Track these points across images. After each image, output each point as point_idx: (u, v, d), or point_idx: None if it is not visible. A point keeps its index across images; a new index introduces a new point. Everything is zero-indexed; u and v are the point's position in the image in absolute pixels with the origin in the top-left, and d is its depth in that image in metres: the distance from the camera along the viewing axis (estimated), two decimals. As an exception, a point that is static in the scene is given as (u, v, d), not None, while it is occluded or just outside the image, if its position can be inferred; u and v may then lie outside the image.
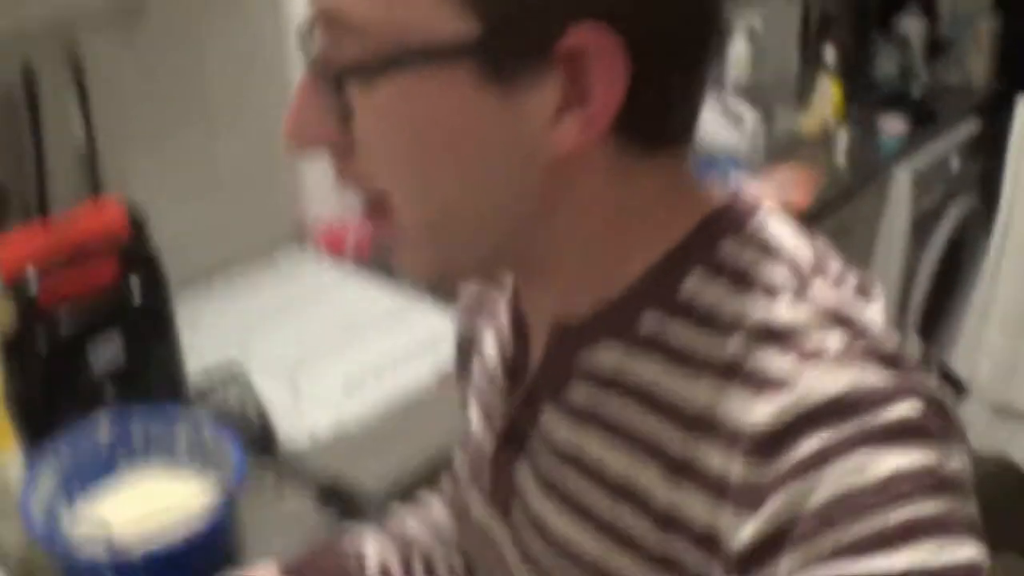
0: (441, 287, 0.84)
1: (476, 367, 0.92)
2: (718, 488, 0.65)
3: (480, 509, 0.89)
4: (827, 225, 2.65)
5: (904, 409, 0.61)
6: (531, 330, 0.82)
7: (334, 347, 1.95)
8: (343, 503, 1.61)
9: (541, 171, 0.68)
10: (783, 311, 0.67)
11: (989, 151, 3.24)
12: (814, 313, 0.67)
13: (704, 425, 0.67)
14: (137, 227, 1.79)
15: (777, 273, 0.70)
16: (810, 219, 2.55)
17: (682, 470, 0.67)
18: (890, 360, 0.64)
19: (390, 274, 2.19)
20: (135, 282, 1.74)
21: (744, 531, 0.62)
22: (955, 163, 3.30)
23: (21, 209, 1.89)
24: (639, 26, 0.64)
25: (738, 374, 0.66)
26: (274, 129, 2.25)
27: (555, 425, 0.77)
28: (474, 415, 0.91)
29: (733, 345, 0.67)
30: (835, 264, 0.72)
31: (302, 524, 1.58)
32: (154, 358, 1.76)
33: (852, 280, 0.71)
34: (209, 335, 1.95)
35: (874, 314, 0.68)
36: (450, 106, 0.66)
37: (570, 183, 0.69)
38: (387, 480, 1.65)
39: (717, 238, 0.72)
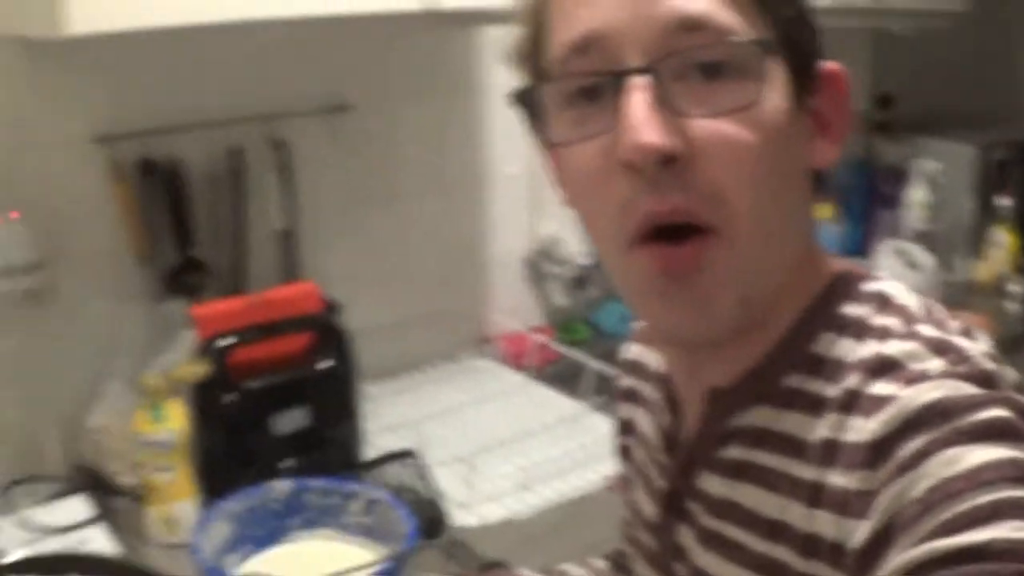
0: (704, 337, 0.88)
1: (636, 449, 1.00)
2: (842, 504, 0.70)
3: (645, 571, 0.96)
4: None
5: (994, 413, 0.67)
6: (683, 403, 0.89)
7: (508, 446, 1.95)
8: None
9: (808, 197, 0.78)
10: (893, 346, 0.74)
11: None
12: (920, 345, 0.73)
13: (830, 454, 0.73)
14: (331, 308, 1.84)
15: (890, 320, 0.77)
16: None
17: (816, 498, 0.73)
18: (986, 379, 0.71)
19: (566, 385, 2.20)
20: (325, 356, 1.77)
21: (860, 532, 0.68)
22: None
23: (219, 283, 1.96)
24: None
25: (855, 404, 0.73)
26: (465, 236, 2.33)
27: (711, 484, 0.83)
28: (639, 490, 0.98)
29: (852, 382, 0.74)
30: (941, 312, 0.79)
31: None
32: (335, 431, 1.79)
33: (957, 324, 0.78)
34: (387, 423, 1.97)
35: (976, 347, 0.74)
36: (784, 104, 0.75)
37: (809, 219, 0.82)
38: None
39: (841, 302, 0.80)
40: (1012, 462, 0.64)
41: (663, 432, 0.92)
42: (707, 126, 0.72)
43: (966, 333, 0.76)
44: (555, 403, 2.17)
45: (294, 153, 2.01)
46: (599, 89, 0.74)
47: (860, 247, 3.09)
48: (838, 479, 0.71)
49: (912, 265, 2.76)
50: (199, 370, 1.65)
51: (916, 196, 2.95)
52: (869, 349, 0.75)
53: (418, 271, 2.28)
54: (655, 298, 0.77)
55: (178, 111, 1.87)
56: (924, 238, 2.89)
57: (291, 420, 1.74)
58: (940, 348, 0.73)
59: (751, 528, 0.78)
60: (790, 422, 0.77)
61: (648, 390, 0.98)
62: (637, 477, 0.99)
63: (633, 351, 1.05)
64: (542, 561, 1.61)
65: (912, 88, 3.25)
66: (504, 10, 1.79)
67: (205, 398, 1.68)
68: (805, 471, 0.74)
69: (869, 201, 3.15)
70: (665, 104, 0.72)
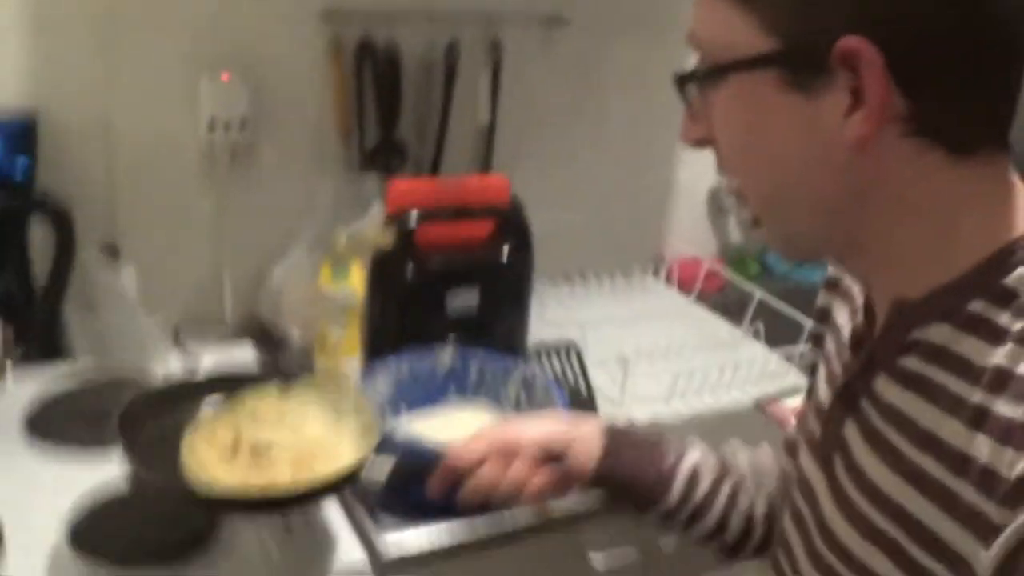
0: (805, 260, 0.99)
1: (828, 337, 1.07)
2: (1005, 432, 0.75)
3: (805, 458, 1.01)
4: None
5: None
6: (876, 307, 0.92)
7: (664, 356, 2.04)
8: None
9: (842, 163, 0.81)
10: None
11: None
12: None
13: (1001, 382, 0.77)
14: (516, 202, 1.93)
15: None
16: None
17: (978, 421, 0.77)
18: None
19: (730, 314, 2.27)
20: (505, 245, 1.86)
21: (1021, 464, 0.73)
22: None
23: (415, 166, 2.08)
24: (901, 35, 0.77)
25: None
26: (658, 161, 2.38)
27: (886, 389, 0.88)
28: (821, 377, 1.04)
29: None
30: None
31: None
32: (503, 318, 1.88)
33: None
34: (552, 319, 2.07)
35: None
36: (763, 106, 0.83)
37: (876, 176, 0.82)
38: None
39: None
40: None
41: (854, 329, 0.97)
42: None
43: None
44: (716, 327, 2.25)
45: (506, 56, 2.11)
46: None
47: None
48: (1004, 408, 0.75)
49: None
50: (385, 238, 1.76)
51: None
52: None
53: (605, 186, 2.37)
54: None
55: (401, 1, 1.98)
56: None
57: (464, 301, 1.83)
58: None
59: (909, 436, 0.83)
60: (968, 345, 0.80)
61: (855, 288, 1.03)
62: (823, 364, 1.05)
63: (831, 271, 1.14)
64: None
65: None
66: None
67: (386, 267, 1.78)
68: (973, 394, 0.78)
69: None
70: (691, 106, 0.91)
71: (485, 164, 2.16)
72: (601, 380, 1.88)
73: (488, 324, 1.86)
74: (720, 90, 0.86)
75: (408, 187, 1.84)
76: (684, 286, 2.40)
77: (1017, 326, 0.78)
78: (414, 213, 1.79)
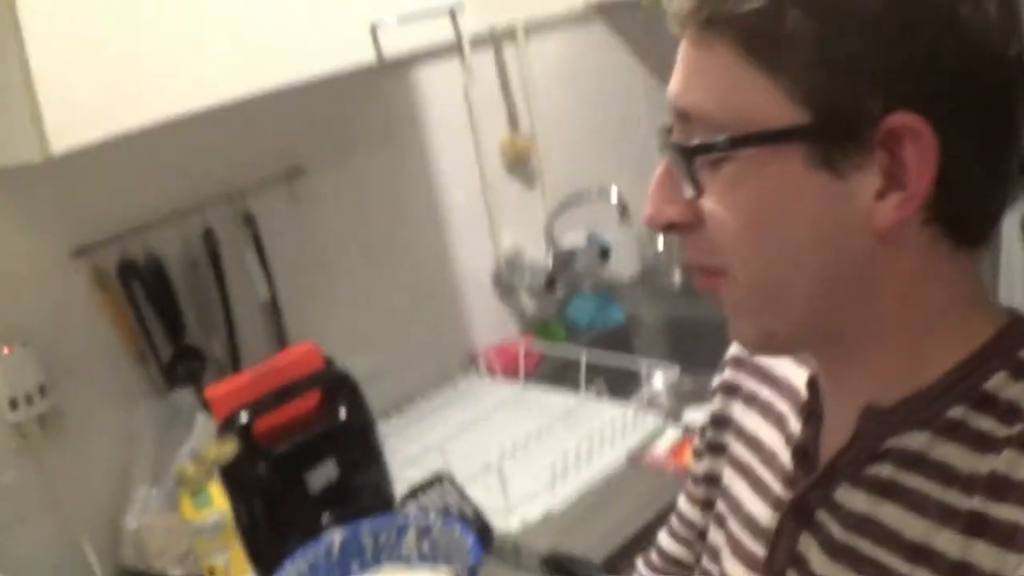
0: (769, 354, 0.97)
1: (736, 444, 1.03)
2: (1009, 537, 0.72)
3: (738, 569, 0.96)
4: None
5: None
6: (827, 413, 0.90)
7: (527, 448, 2.04)
8: (567, 571, 1.67)
9: (863, 249, 0.77)
10: None
11: None
12: None
13: (1001, 487, 0.74)
14: (330, 360, 1.91)
15: None
16: None
17: (976, 528, 0.74)
18: None
19: (559, 383, 2.29)
20: (339, 407, 1.84)
21: None
22: None
23: (216, 365, 2.02)
24: (949, 115, 0.73)
25: None
26: (435, 264, 2.40)
27: (850, 498, 0.83)
28: (740, 490, 1.00)
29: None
30: None
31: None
32: (365, 476, 1.85)
33: None
34: (407, 457, 2.04)
35: None
36: (784, 184, 0.76)
37: (890, 266, 0.78)
38: (602, 549, 1.72)
39: (1019, 345, 0.80)
40: None
41: (789, 440, 0.93)
42: (703, 206, 0.79)
43: None
44: (554, 400, 2.26)
45: (262, 224, 2.08)
46: None
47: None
48: (1007, 513, 0.72)
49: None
50: (229, 448, 1.70)
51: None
52: None
53: (395, 310, 2.36)
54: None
55: (148, 207, 1.92)
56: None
57: (322, 475, 1.80)
58: None
59: (892, 548, 0.79)
60: (949, 451, 0.77)
61: (767, 394, 1.00)
62: (738, 474, 1.01)
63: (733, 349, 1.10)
64: (586, 545, 1.71)
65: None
66: (444, 43, 1.90)
67: (239, 473, 1.73)
68: (963, 501, 0.75)
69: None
70: (670, 181, 0.81)
71: (282, 336, 2.12)
72: (483, 495, 1.86)
73: (354, 488, 1.83)
74: (728, 166, 0.77)
75: (226, 389, 1.79)
76: (506, 372, 2.41)
77: (1005, 432, 0.76)
78: (243, 412, 1.75)
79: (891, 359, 0.81)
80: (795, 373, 0.98)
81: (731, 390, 1.07)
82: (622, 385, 2.21)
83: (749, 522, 0.96)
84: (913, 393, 0.80)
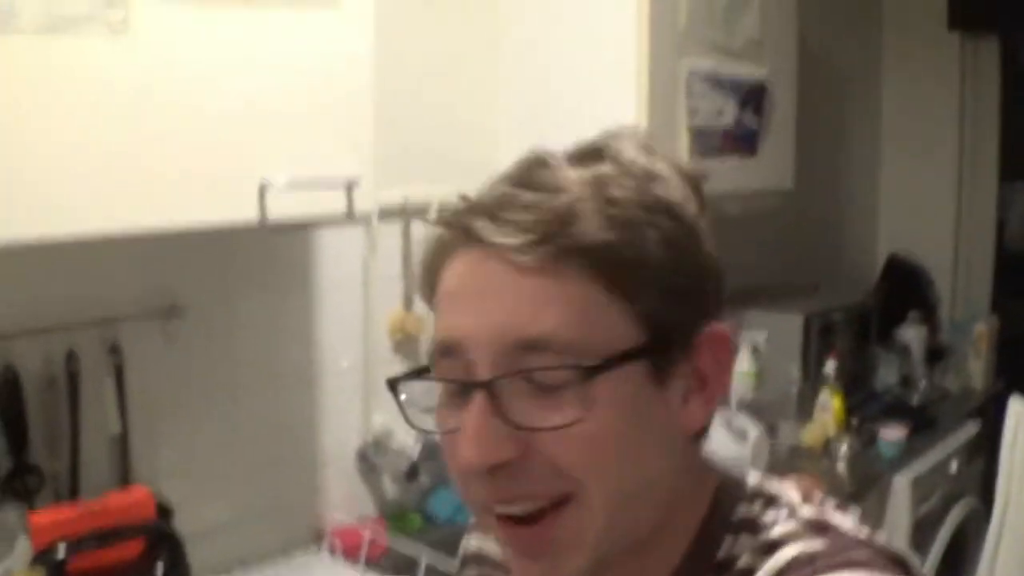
0: None
1: None
2: None
3: None
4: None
5: (853, 553, 0.81)
6: None
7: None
8: None
9: (681, 449, 0.86)
10: (777, 531, 0.86)
11: (988, 451, 3.29)
12: (800, 525, 0.85)
13: None
14: (164, 512, 1.84)
15: (774, 512, 0.88)
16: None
17: None
18: (865, 543, 0.84)
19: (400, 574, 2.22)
20: (160, 563, 1.77)
21: None
22: (954, 466, 3.35)
23: (54, 487, 1.94)
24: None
25: None
26: (300, 430, 2.34)
27: None
28: None
29: (745, 562, 0.85)
30: (818, 495, 0.91)
31: None
32: (173, 638, 1.77)
33: (831, 503, 0.90)
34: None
35: (850, 521, 0.87)
36: (635, 400, 0.82)
37: (687, 461, 0.88)
38: None
39: (732, 505, 0.89)
40: None
41: None
42: (542, 437, 0.80)
43: (841, 507, 0.89)
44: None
45: (128, 356, 2.02)
46: (459, 390, 0.83)
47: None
48: None
49: (741, 435, 2.87)
50: (35, 579, 1.63)
51: (742, 367, 3.10)
52: (763, 539, 0.85)
53: (250, 467, 2.29)
54: (516, 559, 0.86)
55: (13, 318, 1.86)
56: (750, 407, 3.03)
57: (128, 632, 1.72)
58: (818, 526, 0.85)
59: None
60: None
61: None
62: None
63: (474, 543, 1.10)
64: None
65: (733, 263, 3.45)
66: (336, 215, 1.88)
67: (41, 609, 1.65)
68: None
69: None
70: (500, 416, 0.80)
71: (124, 474, 2.04)
72: None
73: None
74: (581, 387, 0.80)
75: (51, 518, 1.73)
76: (349, 555, 2.33)
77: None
78: (61, 546, 1.69)
79: (660, 547, 0.87)
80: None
81: None
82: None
83: None
84: (684, 553, 0.87)
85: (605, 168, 0.85)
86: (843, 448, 3.00)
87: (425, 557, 2.16)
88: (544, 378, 0.80)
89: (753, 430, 2.87)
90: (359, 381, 2.47)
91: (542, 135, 2.58)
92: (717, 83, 2.73)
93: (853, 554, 0.81)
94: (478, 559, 1.07)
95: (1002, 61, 4.25)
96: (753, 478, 0.92)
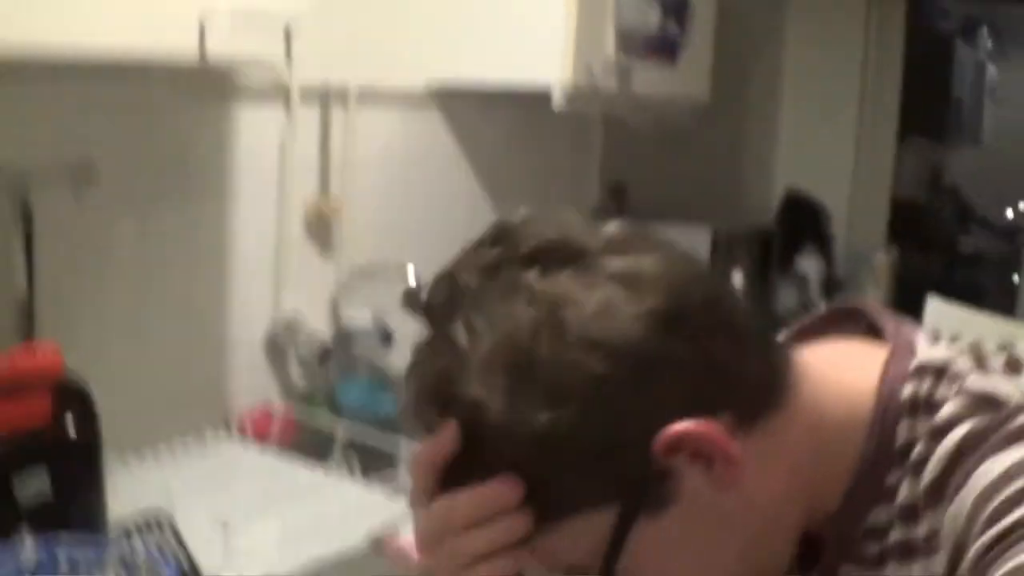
0: None
1: None
2: (926, 550, 0.81)
3: None
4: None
5: (1021, 420, 0.77)
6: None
7: (261, 513, 1.91)
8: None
9: (744, 501, 0.82)
10: (947, 411, 0.81)
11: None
12: (970, 400, 0.81)
13: (912, 514, 0.82)
14: (73, 373, 1.76)
15: (941, 390, 0.84)
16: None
17: (929, 548, 0.81)
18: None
19: (314, 457, 2.17)
20: (68, 418, 1.70)
21: (937, 567, 0.78)
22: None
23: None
24: (685, 392, 0.79)
25: (922, 467, 0.82)
26: (211, 312, 2.27)
27: (853, 573, 0.88)
28: None
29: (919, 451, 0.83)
30: (981, 350, 0.87)
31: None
32: (80, 495, 1.69)
33: (999, 360, 0.85)
34: (131, 498, 1.88)
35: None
36: (665, 544, 0.81)
37: (759, 480, 0.83)
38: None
39: (901, 384, 0.85)
40: None
41: None
42: None
43: (1012, 367, 0.84)
44: (303, 472, 2.14)
45: (39, 217, 1.93)
46: None
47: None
48: (919, 530, 0.81)
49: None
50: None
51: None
52: (932, 424, 0.82)
53: (160, 347, 2.22)
54: None
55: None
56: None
57: (33, 486, 1.64)
58: (987, 400, 0.80)
59: None
60: (889, 511, 0.84)
61: None
62: None
63: None
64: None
65: (642, 178, 3.46)
66: (273, 54, 1.81)
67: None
68: (919, 532, 0.82)
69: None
70: None
71: (30, 339, 1.95)
72: (202, 547, 1.72)
73: (64, 506, 1.66)
74: (620, 571, 0.81)
75: (-48, 367, 1.64)
76: (259, 437, 2.28)
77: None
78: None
79: (828, 485, 0.86)
80: None
81: None
82: (379, 468, 2.11)
83: None
84: (848, 487, 0.85)
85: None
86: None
87: (342, 429, 2.12)
88: None
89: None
90: (271, 264, 2.40)
91: (467, 19, 2.59)
92: (643, -13, 2.72)
93: (1021, 420, 0.77)
94: None
95: (907, 15, 4.27)
96: (921, 348, 0.88)
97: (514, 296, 0.79)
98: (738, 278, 3.22)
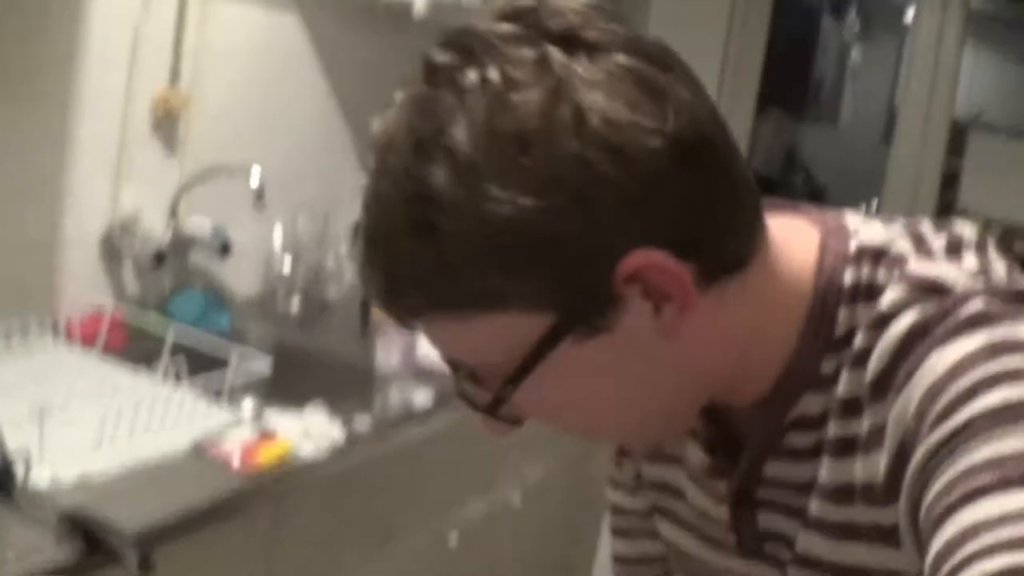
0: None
1: (677, 505, 1.01)
2: (865, 444, 0.78)
3: (737, 565, 0.96)
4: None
5: (967, 309, 0.74)
6: (729, 428, 0.92)
7: (81, 411, 1.81)
8: (88, 538, 1.45)
9: (672, 357, 0.80)
10: (887, 299, 0.79)
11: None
12: (912, 287, 0.78)
13: (852, 407, 0.80)
14: None
15: (882, 273, 0.81)
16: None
17: (870, 445, 0.78)
18: (980, 291, 0.76)
19: (143, 362, 2.08)
20: None
21: (881, 463, 0.76)
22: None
23: None
24: (662, 228, 0.75)
25: (863, 357, 0.79)
26: (38, 207, 2.12)
27: (781, 470, 0.87)
28: (682, 538, 1.01)
29: (860, 340, 0.80)
30: (924, 229, 0.84)
31: (41, 555, 1.41)
32: None
33: (941, 242, 0.82)
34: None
35: (967, 265, 0.79)
36: (578, 370, 0.79)
37: (700, 340, 0.80)
38: (137, 521, 1.51)
39: (841, 269, 0.83)
40: (986, 346, 0.70)
41: (700, 464, 0.95)
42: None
43: (952, 249, 0.81)
44: (128, 376, 2.05)
45: None
46: None
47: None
48: (861, 425, 0.78)
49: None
50: None
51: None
52: (873, 313, 0.79)
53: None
54: None
55: None
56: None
57: None
58: (929, 285, 0.77)
59: (826, 497, 0.83)
60: (844, 390, 0.81)
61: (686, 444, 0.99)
62: (680, 529, 1.01)
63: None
64: (120, 515, 1.50)
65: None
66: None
67: None
68: (859, 426, 0.79)
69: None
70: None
71: None
72: (16, 441, 1.61)
73: None
74: (524, 384, 0.78)
75: None
76: (87, 342, 2.16)
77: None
78: None
79: (755, 368, 0.84)
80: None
81: (657, 455, 1.05)
82: (207, 374, 2.01)
83: (700, 514, 0.97)
84: (784, 370, 0.83)
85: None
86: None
87: (173, 334, 2.02)
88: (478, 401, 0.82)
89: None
90: (113, 158, 2.27)
91: None
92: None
93: (968, 308, 0.74)
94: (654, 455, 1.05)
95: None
96: (858, 230, 0.85)
97: (538, 69, 0.72)
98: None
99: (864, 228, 0.85)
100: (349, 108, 2.89)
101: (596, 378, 0.80)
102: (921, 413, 0.71)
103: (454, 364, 0.82)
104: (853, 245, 0.83)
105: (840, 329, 0.81)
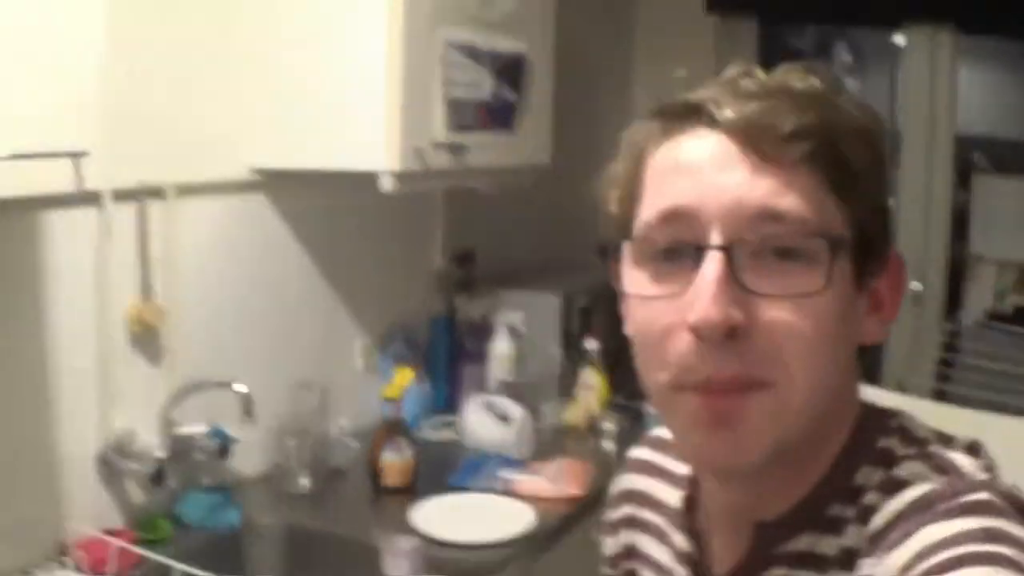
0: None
1: (644, 571, 1.08)
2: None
3: None
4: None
5: (974, 496, 0.80)
6: (714, 528, 0.98)
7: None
8: None
9: (851, 362, 0.90)
10: (905, 469, 0.86)
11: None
12: (927, 465, 0.86)
13: (849, 559, 0.84)
14: None
15: (910, 449, 0.89)
16: (586, 507, 2.53)
17: None
18: (986, 485, 0.82)
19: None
20: None
21: None
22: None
23: None
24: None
25: (869, 516, 0.85)
26: (32, 436, 2.11)
27: None
28: None
29: (871, 499, 0.86)
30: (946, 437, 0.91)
31: None
32: None
33: (961, 442, 0.90)
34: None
35: (981, 463, 0.88)
36: (845, 295, 0.85)
37: (849, 380, 0.92)
38: None
39: (874, 435, 0.90)
40: (983, 529, 0.76)
41: (679, 555, 1.01)
42: (772, 306, 0.83)
43: (971, 450, 0.89)
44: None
45: None
46: (679, 253, 0.86)
47: (447, 404, 3.11)
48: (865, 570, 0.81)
49: (502, 417, 2.81)
50: None
51: (500, 349, 3.03)
52: (890, 476, 0.86)
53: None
54: (698, 433, 0.87)
55: None
56: (511, 389, 2.97)
57: None
58: (943, 466, 0.85)
59: None
60: (833, 545, 0.86)
61: (650, 515, 1.08)
62: None
63: (627, 480, 1.16)
64: None
65: (490, 244, 3.37)
66: (65, 191, 1.70)
67: None
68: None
69: (454, 358, 3.18)
70: (736, 281, 0.82)
71: None
72: None
73: None
74: (808, 273, 0.84)
75: None
76: (96, 569, 2.13)
77: (851, 512, 0.86)
78: None
79: (790, 471, 0.89)
80: (663, 491, 1.07)
81: (633, 522, 1.11)
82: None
83: None
84: (799, 502, 0.88)
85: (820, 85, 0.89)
86: (608, 426, 2.96)
87: (177, 566, 2.00)
88: (792, 243, 0.83)
89: (516, 412, 2.81)
90: (96, 379, 2.26)
91: (287, 107, 2.48)
92: (474, 54, 2.64)
93: (972, 497, 0.80)
94: (630, 496, 1.13)
95: (760, 44, 4.26)
96: (900, 415, 0.93)
97: None
98: (592, 344, 3.14)
99: (906, 415, 0.93)
100: (330, 275, 2.85)
101: (845, 323, 0.86)
102: (907, 567, 0.76)
103: (778, 215, 0.84)
104: (896, 420, 0.91)
105: (857, 480, 0.87)
